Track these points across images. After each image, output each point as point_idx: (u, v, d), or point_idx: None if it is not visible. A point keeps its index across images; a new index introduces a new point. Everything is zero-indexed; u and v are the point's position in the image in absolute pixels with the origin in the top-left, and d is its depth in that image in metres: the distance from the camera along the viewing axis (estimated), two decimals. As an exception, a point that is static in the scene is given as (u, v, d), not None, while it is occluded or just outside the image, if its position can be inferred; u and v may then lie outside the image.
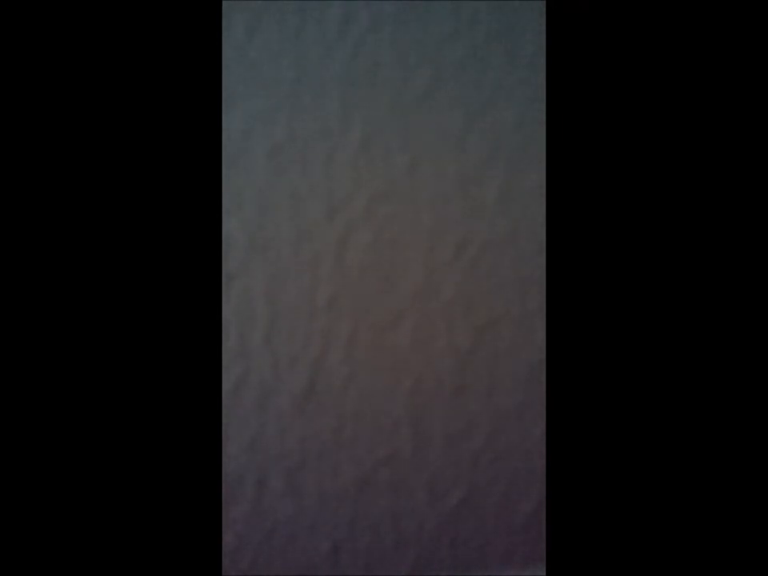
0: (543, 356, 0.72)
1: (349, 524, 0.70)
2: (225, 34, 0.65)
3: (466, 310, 0.70)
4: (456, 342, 0.70)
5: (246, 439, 0.68)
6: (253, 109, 0.66)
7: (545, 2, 0.69)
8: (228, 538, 0.69)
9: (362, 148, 0.68)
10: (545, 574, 0.72)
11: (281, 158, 0.67)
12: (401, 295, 0.69)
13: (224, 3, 0.64)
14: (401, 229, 0.69)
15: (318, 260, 0.68)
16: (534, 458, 0.73)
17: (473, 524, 0.72)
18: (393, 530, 0.71)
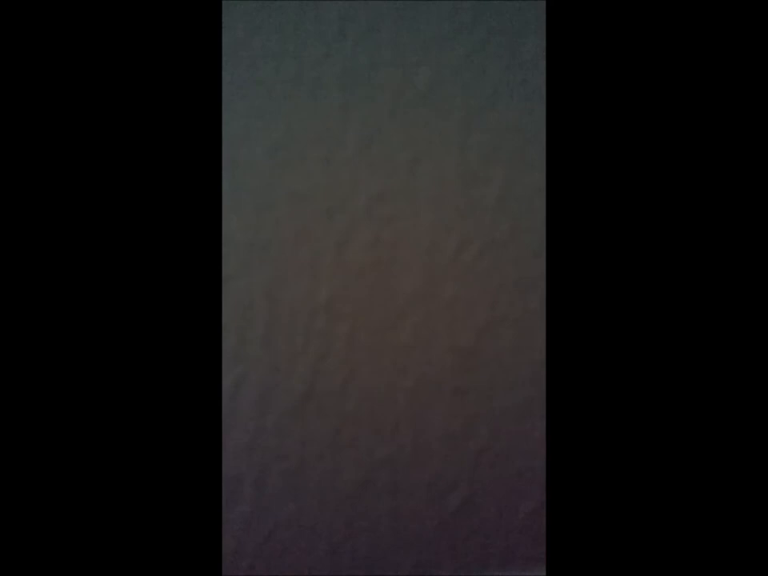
0: (543, 356, 0.72)
1: (349, 525, 0.70)
2: (225, 34, 0.65)
3: (466, 309, 0.70)
4: (456, 342, 0.70)
5: (245, 439, 0.68)
6: (253, 108, 0.66)
7: (545, 2, 0.69)
8: (228, 539, 0.69)
9: (362, 148, 0.68)
10: (545, 574, 0.72)
11: (280, 158, 0.67)
12: (401, 295, 0.69)
13: (224, 3, 0.64)
14: (401, 229, 0.69)
15: (318, 260, 0.68)
16: (534, 458, 0.73)
17: (473, 525, 0.72)
18: (393, 531, 0.71)
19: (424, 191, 0.69)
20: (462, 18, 0.68)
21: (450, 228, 0.69)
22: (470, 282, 0.70)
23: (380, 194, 0.68)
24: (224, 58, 0.65)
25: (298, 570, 0.70)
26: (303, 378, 0.69)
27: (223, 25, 0.64)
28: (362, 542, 0.71)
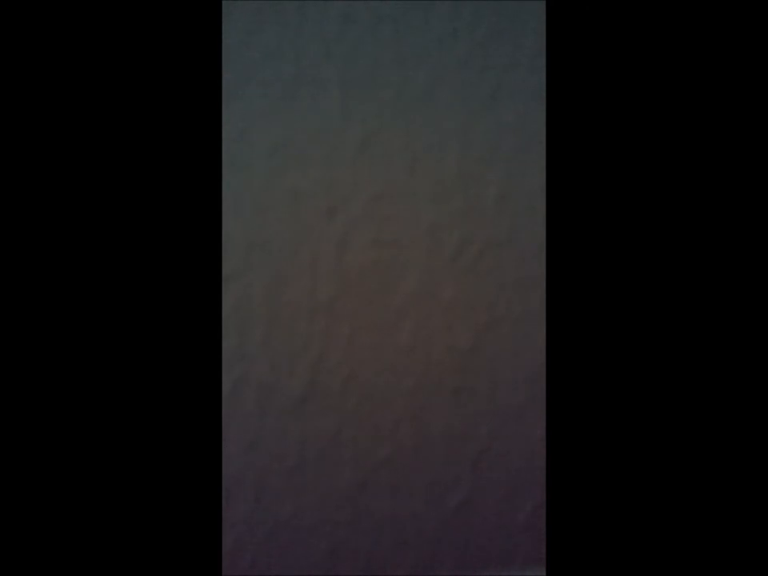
0: (543, 356, 0.72)
1: (349, 524, 0.70)
2: (225, 33, 0.65)
3: (466, 310, 0.70)
4: (456, 342, 0.70)
5: (245, 440, 0.68)
6: (252, 108, 0.66)
7: (545, 2, 0.69)
8: (228, 538, 0.69)
9: (362, 148, 0.68)
10: (545, 574, 0.72)
11: (280, 158, 0.67)
12: (401, 295, 0.69)
13: (224, 3, 0.64)
14: (401, 229, 0.69)
15: (318, 260, 0.68)
16: (534, 458, 0.73)
17: (473, 525, 0.72)
18: (393, 531, 0.71)
19: (424, 191, 0.69)
20: (462, 18, 0.68)
21: (450, 228, 0.69)
22: (470, 282, 0.70)
23: (380, 194, 0.68)
24: (224, 58, 0.65)
25: (298, 570, 0.70)
26: (303, 378, 0.69)
27: (223, 25, 0.64)
28: (362, 542, 0.71)
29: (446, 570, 0.72)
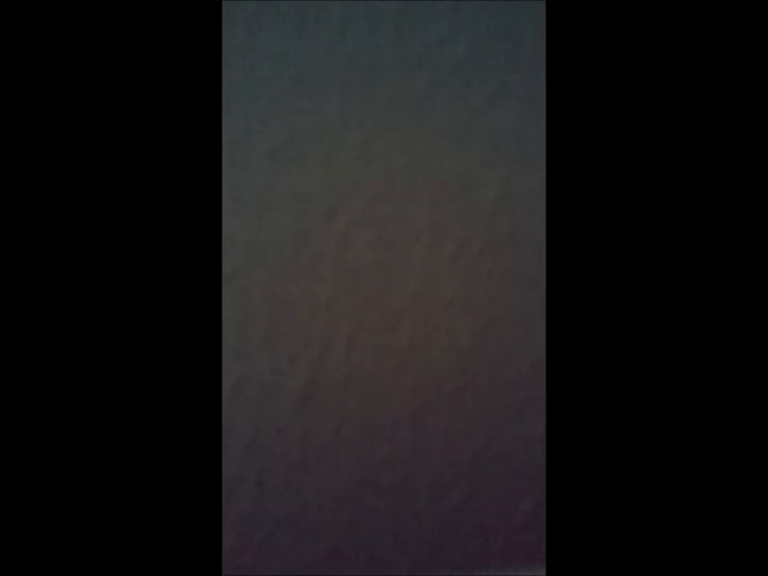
0: (543, 356, 0.72)
1: (349, 524, 0.70)
2: (225, 33, 0.65)
3: (466, 309, 0.70)
4: (456, 342, 0.70)
5: (245, 439, 0.68)
6: (253, 109, 0.66)
7: (545, 2, 0.69)
8: (228, 538, 0.69)
9: (362, 148, 0.68)
10: (545, 574, 0.72)
11: (281, 158, 0.67)
12: (401, 295, 0.69)
13: (224, 3, 0.64)
14: (401, 229, 0.69)
15: (318, 260, 0.68)
16: (534, 458, 0.73)
17: (473, 524, 0.72)
18: (393, 530, 0.71)
19: (424, 191, 0.69)
20: (461, 18, 0.68)
21: (450, 228, 0.69)
22: (470, 281, 0.70)
23: (380, 194, 0.68)
24: (224, 59, 0.65)
25: (298, 570, 0.70)
26: (303, 378, 0.69)
27: (223, 25, 0.65)
28: (362, 541, 0.71)
29: (446, 570, 0.72)
